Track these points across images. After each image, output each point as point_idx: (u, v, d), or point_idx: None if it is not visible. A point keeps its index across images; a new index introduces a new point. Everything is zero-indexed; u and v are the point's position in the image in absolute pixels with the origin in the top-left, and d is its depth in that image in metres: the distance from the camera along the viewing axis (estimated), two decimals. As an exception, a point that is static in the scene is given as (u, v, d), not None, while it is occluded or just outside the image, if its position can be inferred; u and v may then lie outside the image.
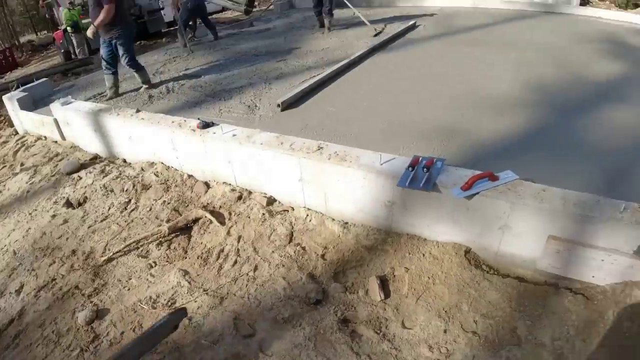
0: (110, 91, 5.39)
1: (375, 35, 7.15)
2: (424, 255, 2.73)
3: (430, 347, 2.24)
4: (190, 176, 4.02)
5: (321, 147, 3.08)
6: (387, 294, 2.58)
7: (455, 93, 4.48)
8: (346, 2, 7.66)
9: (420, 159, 2.73)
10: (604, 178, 2.94)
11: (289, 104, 4.49)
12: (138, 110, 4.25)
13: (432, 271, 2.63)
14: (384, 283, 2.64)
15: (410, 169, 2.67)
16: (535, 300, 2.41)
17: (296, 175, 3.18)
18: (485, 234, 2.54)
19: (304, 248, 3.05)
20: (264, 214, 3.38)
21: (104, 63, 5.24)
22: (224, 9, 12.20)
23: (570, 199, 2.32)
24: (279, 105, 4.40)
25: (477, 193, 2.41)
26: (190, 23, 8.67)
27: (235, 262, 3.02)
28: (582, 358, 2.09)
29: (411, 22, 7.83)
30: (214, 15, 12.08)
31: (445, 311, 2.42)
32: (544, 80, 4.71)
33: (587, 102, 4.15)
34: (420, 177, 2.61)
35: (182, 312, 1.95)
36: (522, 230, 2.41)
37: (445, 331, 2.32)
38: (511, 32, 7.19)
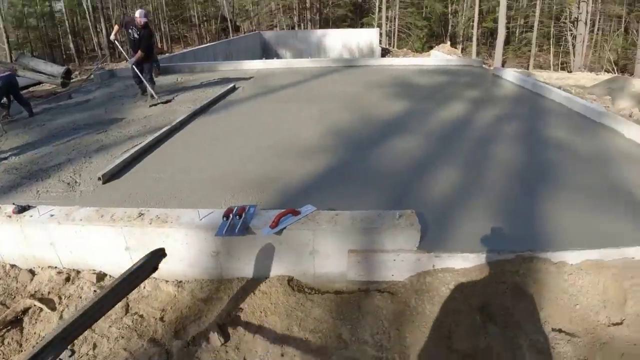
0: None
1: (157, 104, 7.37)
2: (254, 293, 2.98)
3: (271, 372, 2.46)
4: (13, 266, 3.68)
5: (142, 214, 3.17)
6: (226, 338, 2.74)
7: (269, 145, 4.97)
8: (140, 76, 7.75)
9: (235, 208, 3.03)
10: (392, 195, 3.62)
11: (111, 176, 4.44)
12: None
13: (263, 305, 2.89)
14: (222, 328, 2.80)
15: (225, 218, 2.95)
16: (352, 307, 2.82)
17: (122, 245, 3.20)
18: (300, 261, 2.91)
19: (141, 316, 3.04)
20: (95, 290, 3.28)
21: None
22: (40, 82, 11.32)
23: (357, 217, 2.84)
24: (100, 179, 4.33)
25: (284, 228, 2.78)
26: (3, 101, 7.87)
27: (73, 344, 2.87)
28: (398, 343, 2.53)
29: (230, 85, 8.39)
30: (29, 89, 11.12)
31: (280, 336, 2.67)
32: (341, 125, 5.54)
33: (376, 137, 5.02)
34: (235, 224, 2.90)
35: (160, 252, 1.84)
36: (327, 251, 2.84)
37: (282, 354, 2.57)
38: (317, 86, 8.22)
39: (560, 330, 2.69)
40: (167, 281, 3.25)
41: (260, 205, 3.38)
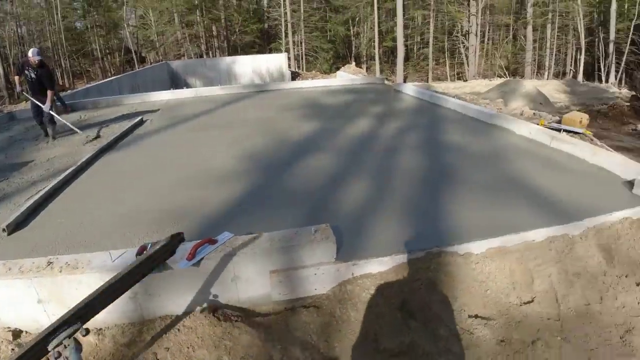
0: None
1: (90, 141, 7.10)
2: (179, 329, 2.89)
3: (201, 408, 2.39)
4: None
5: (51, 262, 2.97)
6: (154, 381, 2.63)
7: (182, 175, 4.88)
8: (53, 114, 7.37)
9: (149, 245, 2.94)
10: (309, 211, 3.72)
11: (16, 226, 4.10)
12: None
13: (190, 340, 2.81)
14: (148, 372, 2.68)
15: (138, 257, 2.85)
16: (280, 327, 2.84)
17: (34, 297, 2.96)
18: (223, 289, 2.89)
19: (59, 373, 2.83)
20: (13, 348, 3.00)
21: None
22: None
23: (275, 237, 2.89)
24: (4, 230, 3.99)
25: (202, 259, 2.76)
26: None
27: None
28: (328, 354, 2.58)
29: (138, 119, 8.11)
30: None
31: (210, 370, 2.62)
32: (255, 149, 5.59)
33: (289, 158, 5.13)
34: (151, 261, 2.82)
35: (179, 236, 1.67)
36: (249, 275, 2.85)
37: (214, 387, 2.52)
38: (229, 113, 8.23)
39: (476, 316, 2.92)
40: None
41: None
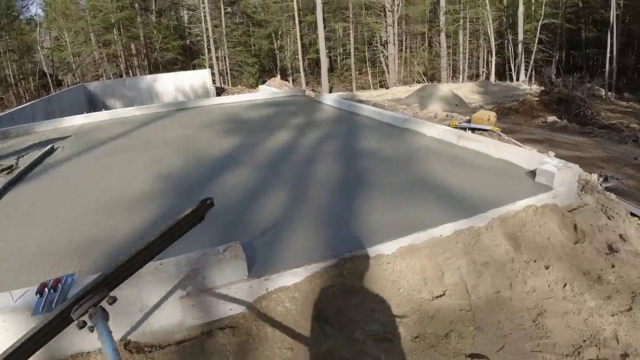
0: None
1: (7, 172, 6.60)
2: (86, 368, 2.72)
3: None
4: None
5: None
6: None
7: (95, 203, 4.62)
8: None
9: (50, 282, 2.74)
10: (223, 230, 3.64)
11: None
12: None
13: (98, 379, 2.65)
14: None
15: (39, 295, 2.65)
16: (196, 353, 2.74)
17: None
18: (133, 321, 2.73)
19: None
20: None
21: None
22: None
23: (182, 261, 2.80)
24: None
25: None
26: None
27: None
28: None
29: (48, 147, 7.59)
30: None
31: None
32: (172, 170, 5.42)
33: (207, 176, 5.03)
34: (52, 299, 2.62)
35: (209, 201, 1.45)
36: (159, 303, 2.74)
37: None
38: (147, 134, 7.93)
39: (391, 316, 2.99)
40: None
41: (84, 272, 3.12)
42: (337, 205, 3.97)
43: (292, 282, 2.89)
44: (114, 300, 1.57)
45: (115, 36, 34.18)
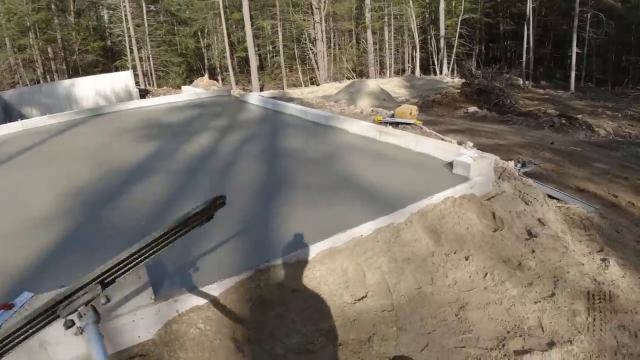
0: None
1: None
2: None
3: None
4: None
5: None
6: None
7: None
8: None
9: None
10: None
11: None
12: None
13: None
14: None
15: None
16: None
17: None
18: (34, 358, 2.43)
19: None
20: None
21: None
22: None
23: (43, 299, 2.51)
24: None
25: (-6, 327, 2.28)
26: None
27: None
28: None
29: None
30: None
31: None
32: (81, 184, 4.92)
33: (119, 188, 4.65)
34: None
35: (220, 199, 1.14)
36: (58, 337, 2.43)
37: None
38: (56, 145, 7.27)
39: (313, 325, 2.88)
40: None
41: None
42: (257, 212, 3.81)
43: (205, 301, 2.71)
44: (107, 300, 1.35)
45: (31, 40, 31.60)
